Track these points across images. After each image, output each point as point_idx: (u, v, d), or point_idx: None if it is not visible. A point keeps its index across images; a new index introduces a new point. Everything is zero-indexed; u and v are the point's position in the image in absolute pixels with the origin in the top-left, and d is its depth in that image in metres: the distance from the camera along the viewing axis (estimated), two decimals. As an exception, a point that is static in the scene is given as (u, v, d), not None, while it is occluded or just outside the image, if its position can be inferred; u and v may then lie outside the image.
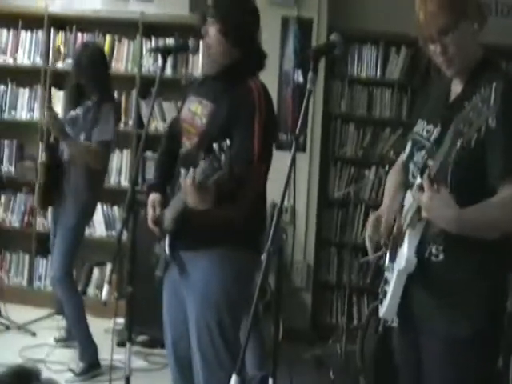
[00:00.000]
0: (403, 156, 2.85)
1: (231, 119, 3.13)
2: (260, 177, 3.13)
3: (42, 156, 5.68)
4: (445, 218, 2.41)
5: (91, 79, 5.15)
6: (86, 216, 5.32)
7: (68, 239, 5.13)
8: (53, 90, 6.75)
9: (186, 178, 2.86)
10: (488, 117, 2.21)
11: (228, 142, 2.77)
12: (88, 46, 5.49)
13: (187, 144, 3.29)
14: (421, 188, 2.41)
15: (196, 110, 3.28)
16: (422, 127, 2.72)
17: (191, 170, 2.86)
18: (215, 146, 2.77)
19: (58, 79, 6.72)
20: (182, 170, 3.09)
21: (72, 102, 5.32)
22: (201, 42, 3.34)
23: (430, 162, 2.47)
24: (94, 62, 5.19)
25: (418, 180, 2.49)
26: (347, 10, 6.46)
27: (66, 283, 5.13)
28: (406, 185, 2.74)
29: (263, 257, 2.54)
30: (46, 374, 1.94)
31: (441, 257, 2.55)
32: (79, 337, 5.18)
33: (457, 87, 2.65)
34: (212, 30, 3.20)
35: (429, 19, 2.51)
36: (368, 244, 2.80)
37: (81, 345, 5.18)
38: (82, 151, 5.09)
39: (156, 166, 3.67)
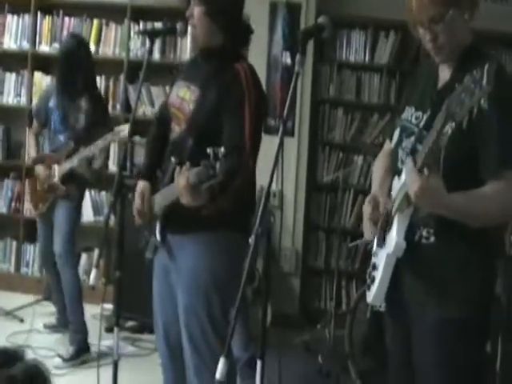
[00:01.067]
0: (390, 143, 2.83)
1: (220, 105, 3.12)
2: (250, 163, 3.11)
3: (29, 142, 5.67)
4: (434, 204, 2.41)
5: (81, 79, 5.20)
6: (82, 197, 5.44)
7: (70, 219, 5.20)
8: (40, 74, 6.71)
9: (180, 178, 2.89)
10: (480, 97, 2.20)
11: (223, 149, 2.77)
12: (73, 41, 5.40)
13: (176, 129, 3.28)
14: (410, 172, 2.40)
15: (184, 96, 3.26)
16: (410, 114, 2.71)
17: (184, 169, 2.87)
18: (209, 151, 2.78)
19: (45, 63, 6.70)
20: (173, 158, 3.09)
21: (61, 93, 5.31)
22: (189, 26, 3.32)
23: (419, 147, 2.46)
24: (81, 63, 5.23)
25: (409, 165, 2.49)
26: (336, -6, 6.44)
27: (70, 259, 5.19)
28: (394, 171, 2.73)
29: (251, 239, 2.54)
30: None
31: (432, 239, 2.55)
32: (73, 317, 5.18)
33: (445, 73, 2.64)
34: (197, 11, 3.17)
35: (420, 7, 2.50)
36: (367, 224, 2.77)
37: (73, 326, 5.18)
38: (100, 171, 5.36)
39: (146, 151, 3.64)
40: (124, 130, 4.87)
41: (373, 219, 2.74)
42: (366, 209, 2.77)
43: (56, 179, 5.16)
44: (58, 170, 5.15)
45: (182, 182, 2.87)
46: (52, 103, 5.31)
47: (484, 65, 2.26)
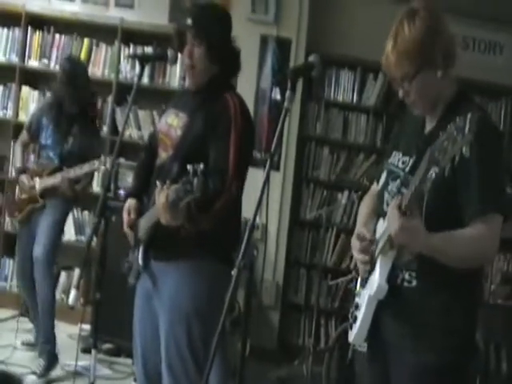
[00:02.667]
0: (377, 186, 2.85)
1: (207, 131, 3.14)
2: (233, 188, 3.11)
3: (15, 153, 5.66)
4: (413, 244, 2.41)
5: (78, 102, 5.23)
6: (66, 214, 5.41)
7: (52, 231, 5.18)
8: (27, 89, 6.70)
9: (160, 196, 2.90)
10: (462, 146, 2.22)
11: (202, 166, 2.79)
12: (77, 64, 5.47)
13: (163, 155, 3.29)
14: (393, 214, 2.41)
15: (172, 122, 3.28)
16: (397, 158, 2.73)
17: (165, 187, 2.89)
18: (189, 168, 2.80)
19: (33, 78, 6.71)
20: (158, 183, 3.10)
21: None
22: (179, 54, 3.34)
23: (405, 191, 2.48)
24: (81, 87, 5.25)
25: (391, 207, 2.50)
26: (326, 33, 6.51)
27: (46, 268, 5.12)
28: (379, 212, 2.74)
29: (234, 271, 2.54)
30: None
31: (414, 283, 2.56)
32: (43, 326, 5.15)
33: (431, 119, 2.67)
34: (198, 52, 3.20)
35: (393, 64, 2.53)
36: (359, 257, 2.71)
37: (43, 337, 5.15)
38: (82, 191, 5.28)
39: (134, 176, 3.67)
40: (107, 162, 4.90)
41: (364, 250, 2.72)
42: (355, 242, 2.76)
43: (36, 191, 5.15)
44: (39, 183, 5.15)
45: (161, 200, 2.89)
46: (45, 120, 5.31)
47: (467, 113, 2.29)
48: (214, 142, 3.13)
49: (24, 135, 5.54)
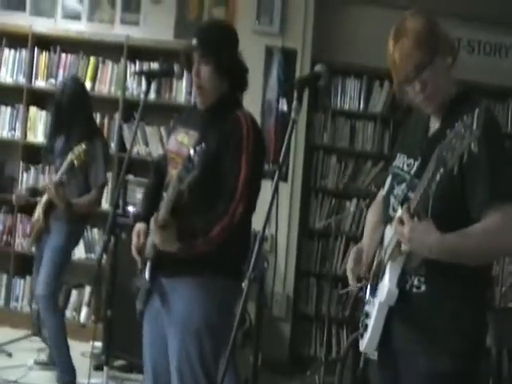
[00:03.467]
0: (382, 191, 2.85)
1: (219, 149, 3.12)
2: (236, 216, 3.08)
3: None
4: (426, 245, 2.38)
5: (74, 120, 5.20)
6: (73, 241, 5.33)
7: (54, 261, 5.10)
8: (35, 109, 6.74)
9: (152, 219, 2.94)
10: (470, 142, 2.21)
11: (203, 145, 2.81)
12: (66, 84, 5.37)
13: (172, 172, 3.26)
14: (401, 221, 2.41)
15: (183, 140, 3.26)
16: (402, 161, 2.73)
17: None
18: (191, 151, 2.84)
19: (40, 99, 6.74)
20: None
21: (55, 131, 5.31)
22: (185, 70, 3.34)
23: (411, 195, 2.47)
24: (74, 105, 5.20)
25: (399, 212, 2.50)
26: (332, 42, 6.51)
27: (49, 302, 5.07)
28: (385, 218, 2.74)
29: (244, 284, 2.54)
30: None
31: (423, 288, 2.55)
32: (58, 359, 5.13)
33: (435, 122, 2.67)
34: (205, 71, 3.19)
35: (405, 57, 2.53)
36: (349, 276, 2.79)
37: (59, 367, 5.13)
38: (86, 206, 5.16)
39: (143, 197, 3.65)
40: (81, 146, 4.84)
41: (354, 272, 2.76)
42: (349, 262, 2.79)
43: (40, 213, 5.16)
44: (41, 203, 5.16)
45: (153, 221, 2.96)
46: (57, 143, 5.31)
47: (474, 110, 2.28)
48: (226, 160, 3.12)
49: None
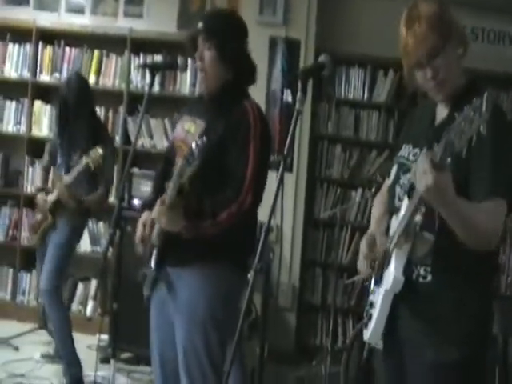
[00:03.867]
0: (389, 181, 2.85)
1: (226, 139, 3.13)
2: (246, 203, 3.09)
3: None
4: (443, 198, 2.31)
5: (79, 116, 5.22)
6: (77, 235, 5.35)
7: (58, 255, 5.12)
8: (40, 103, 6.76)
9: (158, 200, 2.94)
10: (480, 124, 2.17)
11: (204, 138, 2.83)
12: (71, 80, 5.39)
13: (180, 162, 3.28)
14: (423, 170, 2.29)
15: (189, 129, 3.27)
16: (407, 151, 2.72)
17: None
18: (193, 145, 2.86)
19: (45, 93, 6.75)
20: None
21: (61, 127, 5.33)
22: (189, 60, 3.34)
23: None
24: (79, 101, 5.22)
25: (405, 201, 2.49)
26: (335, 31, 6.51)
27: (53, 297, 5.09)
28: (391, 208, 2.74)
29: (250, 275, 2.54)
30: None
31: (429, 278, 2.55)
32: (64, 352, 5.14)
33: (442, 111, 2.66)
34: (208, 56, 3.20)
35: (418, 42, 2.52)
36: (362, 263, 2.77)
37: (65, 360, 5.14)
38: (96, 204, 5.22)
39: (152, 188, 3.64)
40: (97, 150, 4.86)
41: (369, 258, 2.74)
42: (363, 247, 2.78)
43: (47, 209, 5.17)
44: (48, 200, 5.16)
45: (158, 202, 2.96)
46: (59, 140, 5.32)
47: (483, 94, 2.27)
48: (233, 150, 3.12)
49: (45, 159, 5.57)
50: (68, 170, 5.12)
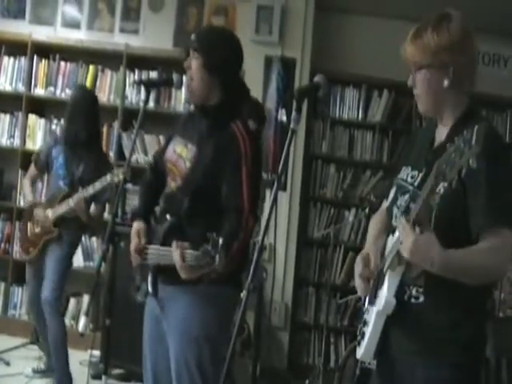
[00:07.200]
0: (386, 202, 2.85)
1: (217, 165, 3.12)
2: (249, 227, 3.09)
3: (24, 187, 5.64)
4: (429, 259, 2.35)
5: (89, 130, 5.25)
6: (75, 247, 5.39)
7: (62, 266, 5.17)
8: (34, 117, 6.75)
9: (175, 255, 2.91)
10: (469, 157, 2.20)
11: (221, 240, 2.77)
12: (80, 92, 5.47)
13: (172, 184, 3.28)
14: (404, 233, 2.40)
15: (181, 153, 3.27)
16: (406, 173, 2.72)
17: (180, 246, 2.90)
18: (209, 235, 2.79)
19: (40, 107, 6.75)
20: (168, 216, 3.11)
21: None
22: (184, 77, 3.35)
23: (413, 206, 2.47)
24: (92, 115, 5.29)
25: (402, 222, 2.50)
26: (331, 51, 6.55)
27: (55, 307, 5.11)
28: (388, 229, 2.74)
29: (243, 294, 2.53)
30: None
31: (421, 299, 2.54)
32: (57, 364, 5.13)
33: (441, 134, 2.67)
34: (195, 63, 3.20)
35: (411, 52, 2.56)
36: (358, 282, 2.78)
37: (58, 373, 5.13)
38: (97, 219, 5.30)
39: (140, 197, 3.62)
40: (119, 171, 4.87)
41: (363, 276, 2.74)
42: (357, 266, 2.78)
43: (49, 222, 5.16)
44: (52, 213, 5.15)
45: (177, 261, 2.90)
46: (55, 152, 5.32)
47: (474, 126, 2.28)
48: (225, 177, 3.12)
49: (32, 170, 5.55)
50: (71, 181, 5.17)
